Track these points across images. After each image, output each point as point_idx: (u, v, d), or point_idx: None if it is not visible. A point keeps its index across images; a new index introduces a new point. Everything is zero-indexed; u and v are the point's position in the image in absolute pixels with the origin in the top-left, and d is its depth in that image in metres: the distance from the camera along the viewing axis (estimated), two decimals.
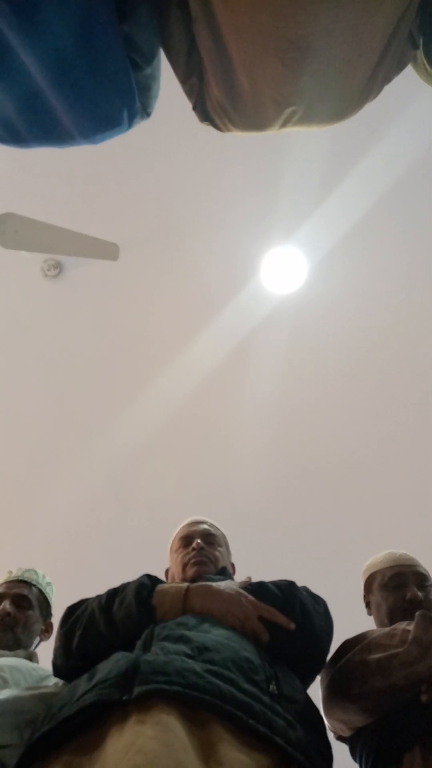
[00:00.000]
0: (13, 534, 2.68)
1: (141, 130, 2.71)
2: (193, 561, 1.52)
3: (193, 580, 1.44)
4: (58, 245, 2.38)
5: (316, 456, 2.69)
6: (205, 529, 1.63)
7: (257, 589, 1.26)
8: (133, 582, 1.24)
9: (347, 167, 2.62)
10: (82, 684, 0.95)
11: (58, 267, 2.74)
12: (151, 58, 1.12)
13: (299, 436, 2.70)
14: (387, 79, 1.15)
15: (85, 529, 2.73)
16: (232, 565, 1.70)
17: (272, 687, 0.97)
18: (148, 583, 1.23)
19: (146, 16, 1.05)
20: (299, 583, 1.31)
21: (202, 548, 1.54)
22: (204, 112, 1.23)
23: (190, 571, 1.50)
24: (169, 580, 1.59)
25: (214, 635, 1.04)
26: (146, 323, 2.77)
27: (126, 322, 2.77)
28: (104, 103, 1.13)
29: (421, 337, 2.71)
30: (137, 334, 2.77)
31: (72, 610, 1.27)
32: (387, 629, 1.28)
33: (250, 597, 1.20)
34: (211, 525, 1.70)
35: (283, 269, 2.68)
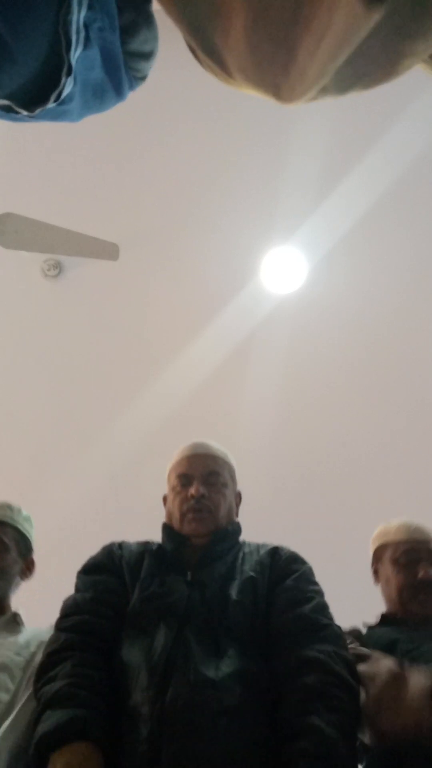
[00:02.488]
0: None
1: (141, 129, 2.73)
2: (191, 516, 1.42)
3: (192, 540, 1.38)
4: (57, 245, 2.38)
5: (316, 456, 2.69)
6: (207, 467, 1.50)
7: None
8: (51, 721, 1.02)
9: (347, 167, 2.62)
10: None
11: (58, 267, 2.74)
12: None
13: (299, 436, 2.70)
14: None
15: (86, 528, 2.73)
16: (238, 495, 1.58)
17: None
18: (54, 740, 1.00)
19: None
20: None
21: (203, 496, 1.43)
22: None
23: (188, 527, 1.42)
24: (167, 517, 1.52)
25: None
26: (146, 323, 2.77)
27: (126, 321, 2.77)
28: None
29: (421, 337, 2.71)
30: (137, 334, 2.77)
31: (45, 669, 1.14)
32: (371, 665, 1.12)
33: None
34: (214, 456, 1.55)
35: (283, 269, 2.68)
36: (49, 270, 2.74)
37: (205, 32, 0.77)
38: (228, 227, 2.72)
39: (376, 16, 0.67)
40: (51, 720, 1.01)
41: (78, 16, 0.67)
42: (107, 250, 2.44)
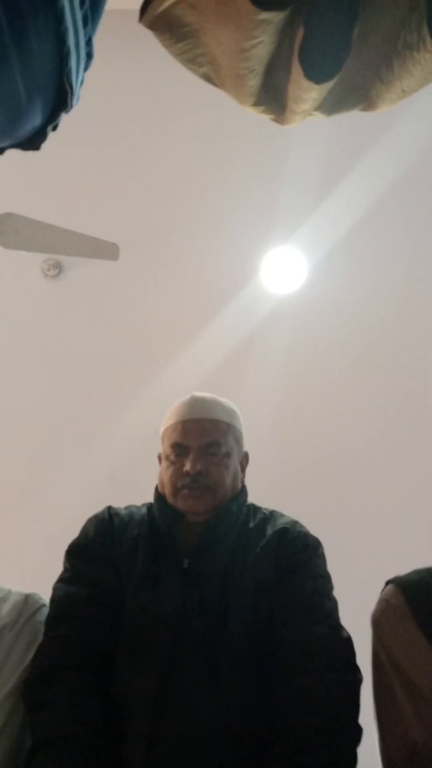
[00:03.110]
0: (13, 534, 2.68)
1: (141, 129, 2.72)
2: (186, 492, 1.26)
3: (189, 516, 1.25)
4: (57, 245, 2.38)
5: (316, 455, 2.68)
6: (205, 436, 1.28)
7: None
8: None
9: (347, 167, 2.62)
10: None
11: (58, 267, 2.74)
12: None
13: (299, 436, 2.70)
14: None
15: None
16: (245, 456, 1.41)
17: None
18: None
19: None
20: None
21: (200, 473, 1.25)
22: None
23: (183, 504, 1.27)
24: (159, 484, 1.35)
25: None
26: (146, 323, 2.76)
27: (126, 322, 2.77)
28: None
29: (421, 337, 2.71)
30: (137, 334, 2.76)
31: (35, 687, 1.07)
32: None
33: None
34: (215, 421, 1.31)
35: (283, 269, 2.68)
36: (49, 270, 2.73)
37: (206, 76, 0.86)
38: (228, 227, 2.71)
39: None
40: None
41: (78, 64, 0.71)
42: (107, 250, 2.43)
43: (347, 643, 1.14)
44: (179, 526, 1.28)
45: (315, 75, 0.70)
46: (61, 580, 1.26)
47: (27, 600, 1.27)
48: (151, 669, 1.08)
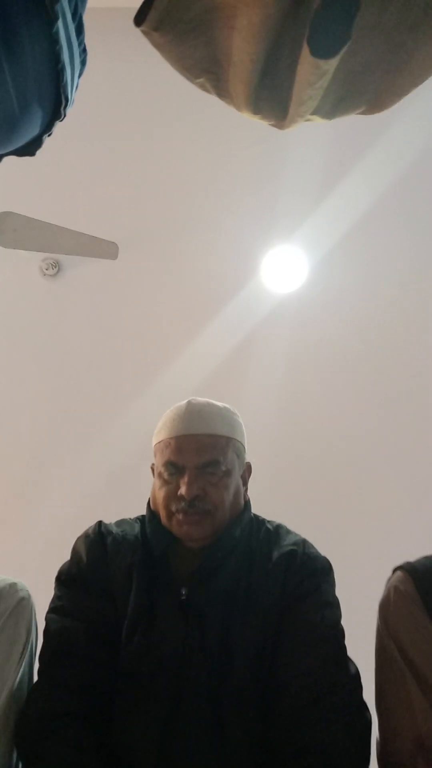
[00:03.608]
0: (12, 534, 2.67)
1: (141, 129, 2.71)
2: (181, 517, 1.13)
3: (185, 542, 1.14)
4: (56, 244, 2.37)
5: (317, 455, 2.68)
6: (202, 455, 1.15)
7: None
8: None
9: (348, 166, 2.61)
10: None
11: (57, 266, 2.73)
12: None
13: (300, 435, 2.69)
14: None
15: (84, 529, 2.70)
16: (248, 466, 1.29)
17: None
18: None
19: None
20: None
21: (196, 497, 1.12)
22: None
23: (178, 530, 1.15)
24: (152, 500, 1.23)
25: None
26: (146, 322, 2.75)
27: (125, 321, 2.76)
28: None
29: (422, 336, 2.70)
30: (137, 334, 2.75)
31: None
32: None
33: None
34: (213, 436, 1.17)
35: (284, 268, 2.67)
36: (47, 269, 2.72)
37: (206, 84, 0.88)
38: (228, 226, 2.70)
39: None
40: None
41: (73, 75, 0.73)
42: (106, 249, 2.42)
43: (355, 680, 1.06)
44: (175, 551, 1.18)
45: (321, 49, 0.72)
46: (54, 611, 1.16)
47: (9, 589, 1.19)
48: (152, 718, 1.02)
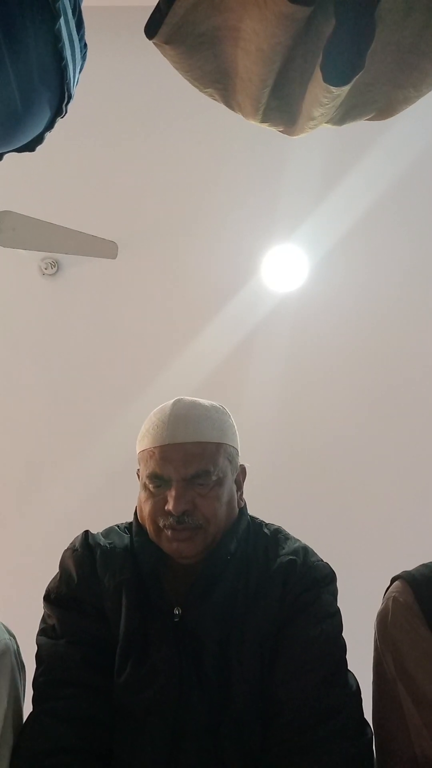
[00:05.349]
0: (12, 534, 2.67)
1: (141, 127, 2.70)
2: (170, 534, 1.05)
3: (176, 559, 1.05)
4: (55, 243, 2.36)
5: (317, 455, 2.67)
6: (189, 467, 1.04)
7: None
8: None
9: (349, 164, 2.61)
10: None
11: (56, 265, 2.72)
12: None
13: (301, 434, 2.69)
14: None
15: (85, 529, 2.70)
16: (243, 469, 1.19)
17: None
18: None
19: None
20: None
21: (185, 513, 1.02)
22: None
23: (168, 546, 1.06)
24: (138, 512, 1.15)
25: None
26: (145, 322, 2.75)
27: (125, 320, 2.75)
28: None
29: (423, 335, 2.69)
30: (136, 333, 2.75)
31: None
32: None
33: None
34: (200, 444, 1.06)
35: (284, 267, 2.66)
36: (47, 268, 2.72)
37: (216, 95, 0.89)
38: (228, 225, 2.70)
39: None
40: None
41: (75, 71, 0.74)
42: (106, 249, 2.42)
43: (354, 698, 1.01)
44: (166, 566, 1.10)
45: (335, 78, 0.72)
46: (44, 633, 1.09)
47: None
48: (152, 759, 0.96)
